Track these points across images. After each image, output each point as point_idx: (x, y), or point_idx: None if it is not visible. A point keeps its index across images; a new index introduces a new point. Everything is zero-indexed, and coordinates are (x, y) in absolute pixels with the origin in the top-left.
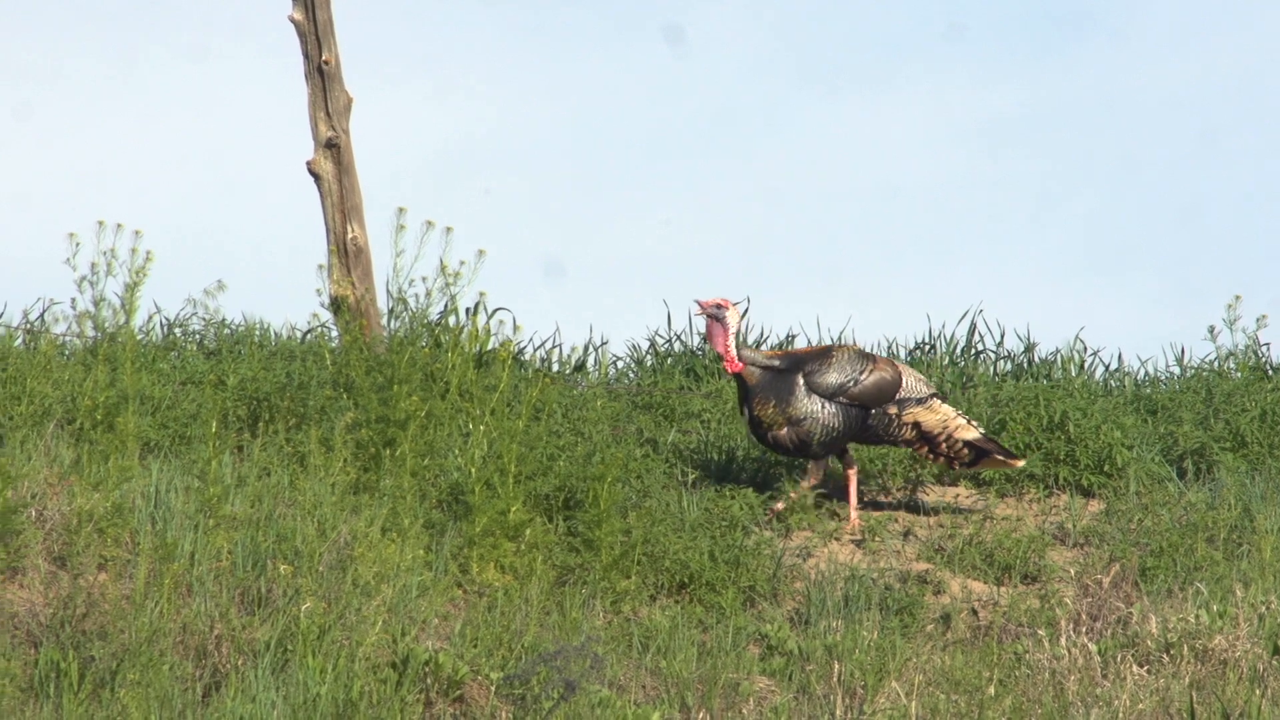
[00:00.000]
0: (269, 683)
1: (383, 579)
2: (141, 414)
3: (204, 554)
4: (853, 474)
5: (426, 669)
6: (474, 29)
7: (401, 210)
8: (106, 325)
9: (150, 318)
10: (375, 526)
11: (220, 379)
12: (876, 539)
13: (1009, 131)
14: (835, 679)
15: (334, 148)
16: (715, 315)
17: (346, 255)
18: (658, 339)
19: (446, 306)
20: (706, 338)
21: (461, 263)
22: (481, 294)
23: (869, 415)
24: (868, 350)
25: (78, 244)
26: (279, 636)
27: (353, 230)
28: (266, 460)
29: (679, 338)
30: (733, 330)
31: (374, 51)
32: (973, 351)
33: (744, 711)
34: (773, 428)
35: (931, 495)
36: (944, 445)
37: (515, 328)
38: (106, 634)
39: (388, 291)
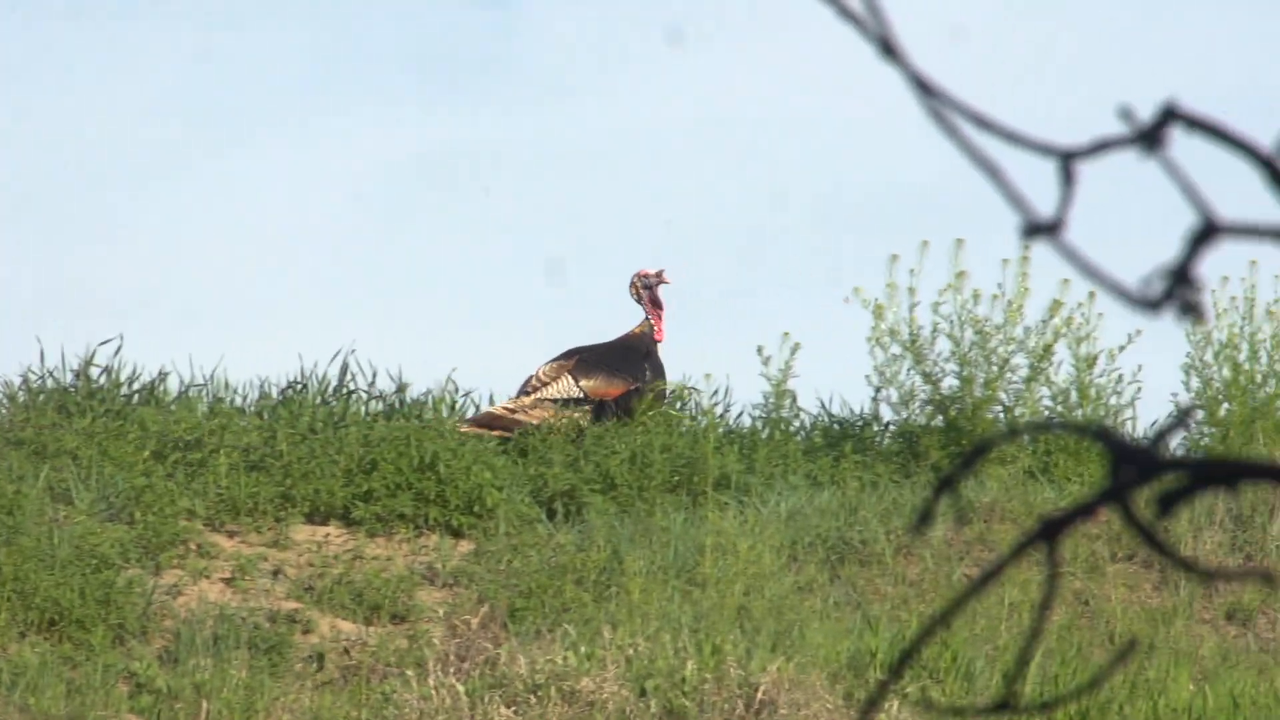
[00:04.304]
0: None
1: None
2: None
3: None
4: None
5: None
6: None
7: None
8: None
9: None
10: None
11: None
12: (247, 577)
13: (391, 172)
14: (204, 717)
15: None
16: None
17: None
18: (30, 374)
19: None
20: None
21: None
22: None
23: None
24: None
25: None
26: None
27: None
28: None
29: (51, 374)
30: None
31: None
32: (345, 391)
33: None
34: None
35: (302, 534)
36: None
37: None
38: None
39: None
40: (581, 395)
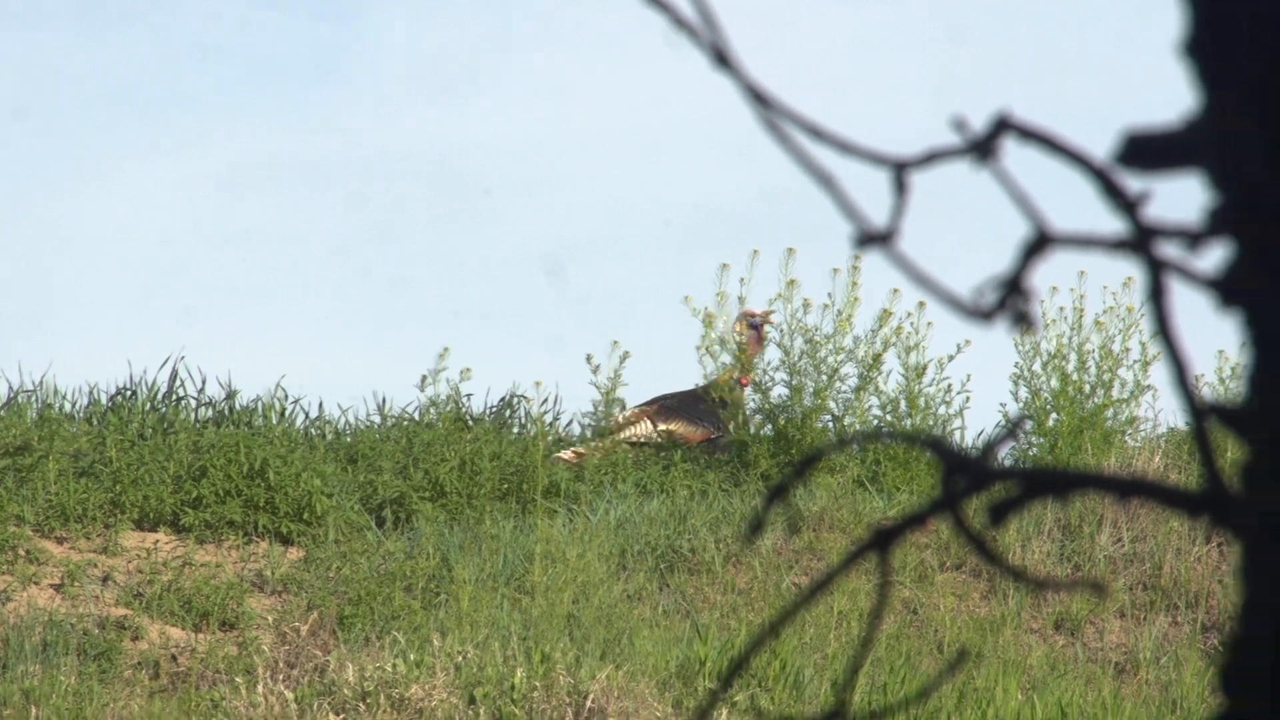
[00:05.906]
0: None
1: None
2: None
3: None
4: None
5: None
6: None
7: None
8: None
9: None
10: None
11: None
12: (76, 584)
13: (233, 179)
14: None
15: None
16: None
17: None
18: None
19: None
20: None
21: None
22: None
23: None
24: None
25: None
26: None
27: None
28: None
29: None
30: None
31: None
32: (174, 398)
33: None
34: None
35: (131, 540)
36: None
37: None
38: None
39: None
40: (660, 440)
